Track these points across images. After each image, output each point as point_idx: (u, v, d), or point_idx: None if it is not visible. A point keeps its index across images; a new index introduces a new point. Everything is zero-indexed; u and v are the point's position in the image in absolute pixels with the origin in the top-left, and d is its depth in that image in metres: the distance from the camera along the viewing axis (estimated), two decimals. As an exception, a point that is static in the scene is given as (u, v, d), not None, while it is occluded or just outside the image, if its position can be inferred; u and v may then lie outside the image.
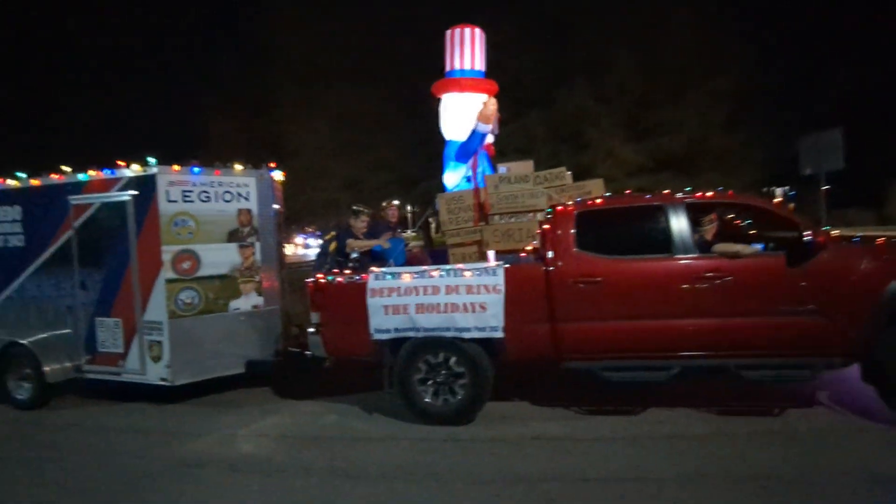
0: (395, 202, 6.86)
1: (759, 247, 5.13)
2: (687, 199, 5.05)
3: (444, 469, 4.32)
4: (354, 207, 6.73)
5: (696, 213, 5.15)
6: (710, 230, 5.23)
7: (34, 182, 6.76)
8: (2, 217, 6.99)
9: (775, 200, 5.70)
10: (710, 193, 5.08)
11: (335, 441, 5.10)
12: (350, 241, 6.36)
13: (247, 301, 6.57)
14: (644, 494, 3.73)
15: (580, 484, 3.94)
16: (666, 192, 5.17)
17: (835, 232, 4.97)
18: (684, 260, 4.88)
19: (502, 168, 6.10)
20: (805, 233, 4.89)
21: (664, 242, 4.96)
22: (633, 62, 15.47)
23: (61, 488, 4.45)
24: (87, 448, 5.31)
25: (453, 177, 5.93)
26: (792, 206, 5.33)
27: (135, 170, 6.10)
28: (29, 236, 6.83)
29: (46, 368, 6.37)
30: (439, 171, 18.74)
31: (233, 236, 6.48)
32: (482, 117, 5.34)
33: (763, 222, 5.50)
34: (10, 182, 6.90)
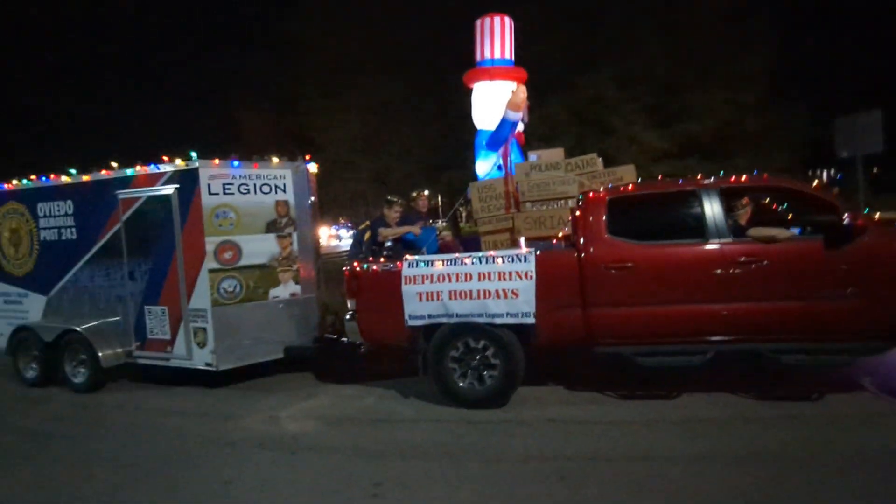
0: (425, 192, 6.96)
1: (795, 231, 5.05)
2: (720, 184, 5.01)
3: (460, 448, 4.49)
4: (389, 198, 6.88)
5: (729, 198, 5.10)
6: (743, 214, 5.18)
7: (85, 178, 7.10)
8: (55, 211, 7.38)
9: (815, 183, 5.56)
10: (743, 178, 5.02)
11: (364, 422, 5.30)
12: (381, 230, 6.51)
13: (285, 289, 6.80)
14: (650, 472, 3.84)
15: (590, 463, 4.06)
16: (699, 176, 5.12)
17: (877, 215, 4.86)
18: (718, 245, 4.85)
19: (532, 156, 6.13)
20: (844, 216, 4.80)
21: (697, 227, 4.94)
22: (659, 46, 15.17)
23: (110, 462, 4.76)
24: (134, 427, 5.64)
25: (485, 165, 5.99)
26: (836, 189, 5.20)
27: (178, 164, 6.35)
28: (80, 229, 7.19)
29: (100, 354, 6.73)
30: (464, 160, 18.75)
31: (271, 227, 6.70)
32: (512, 105, 5.38)
33: (801, 206, 5.40)
34: (63, 178, 7.26)
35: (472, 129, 18.25)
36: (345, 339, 6.72)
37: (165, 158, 6.46)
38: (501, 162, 5.79)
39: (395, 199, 6.78)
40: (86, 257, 7.14)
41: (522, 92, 5.33)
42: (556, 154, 6.23)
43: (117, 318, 6.92)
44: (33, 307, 7.64)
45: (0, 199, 7.89)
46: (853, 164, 9.78)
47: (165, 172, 6.46)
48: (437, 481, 3.96)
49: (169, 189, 6.42)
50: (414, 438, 4.80)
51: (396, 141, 18.97)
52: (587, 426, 4.74)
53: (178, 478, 4.37)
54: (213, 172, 6.31)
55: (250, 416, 5.67)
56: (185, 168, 6.30)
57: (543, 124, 15.49)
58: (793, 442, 4.13)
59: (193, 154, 6.24)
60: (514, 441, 4.54)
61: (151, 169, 6.56)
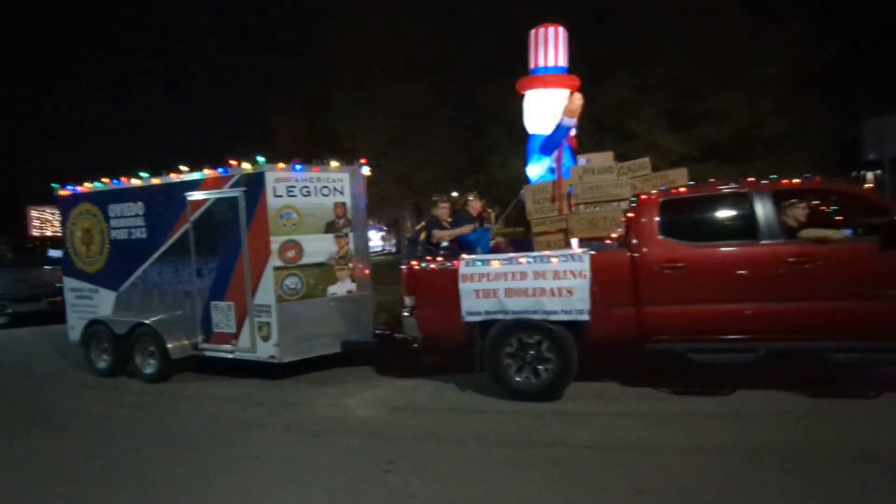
0: (475, 194, 7.24)
1: (847, 232, 5.17)
2: (772, 186, 5.16)
3: (468, 434, 4.85)
4: (434, 198, 7.22)
5: (781, 200, 5.24)
6: (795, 216, 5.32)
7: (155, 180, 7.55)
8: (126, 212, 7.85)
9: (866, 186, 5.64)
10: (796, 180, 5.16)
11: (399, 411, 5.68)
12: (436, 232, 6.81)
13: (342, 287, 7.13)
14: (638, 460, 4.12)
15: (584, 450, 4.37)
16: (751, 179, 5.28)
17: None
18: (771, 246, 5.00)
19: (583, 159, 6.35)
20: (896, 217, 4.90)
21: (749, 228, 5.10)
22: (678, 51, 15.17)
23: (158, 439, 5.31)
24: (190, 412, 6.12)
25: (537, 168, 6.23)
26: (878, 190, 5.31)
27: (245, 168, 6.73)
28: (150, 229, 7.64)
29: (169, 346, 7.16)
30: (487, 164, 18.77)
31: (330, 227, 7.05)
32: (568, 112, 5.61)
33: (852, 208, 5.51)
34: (134, 181, 7.73)
35: (495, 134, 18.36)
36: (398, 334, 7.06)
37: (233, 162, 6.85)
38: (555, 165, 6.02)
39: (438, 198, 7.13)
40: (155, 255, 7.59)
41: (579, 99, 5.55)
42: (605, 158, 6.43)
43: (184, 313, 7.35)
44: (103, 302, 8.13)
45: (73, 201, 8.42)
46: (881, 166, 9.61)
47: (233, 175, 6.85)
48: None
49: (236, 191, 6.81)
50: (424, 425, 5.16)
51: (422, 144, 19.34)
52: (586, 417, 5.05)
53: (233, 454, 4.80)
54: (278, 176, 6.67)
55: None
56: (253, 172, 6.68)
57: None
58: (781, 436, 4.32)
59: (260, 158, 6.62)
60: (520, 430, 4.85)
61: (219, 172, 6.96)
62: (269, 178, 6.60)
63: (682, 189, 5.46)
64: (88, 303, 8.30)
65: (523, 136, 19.53)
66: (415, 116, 19.22)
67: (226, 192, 6.91)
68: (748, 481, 3.71)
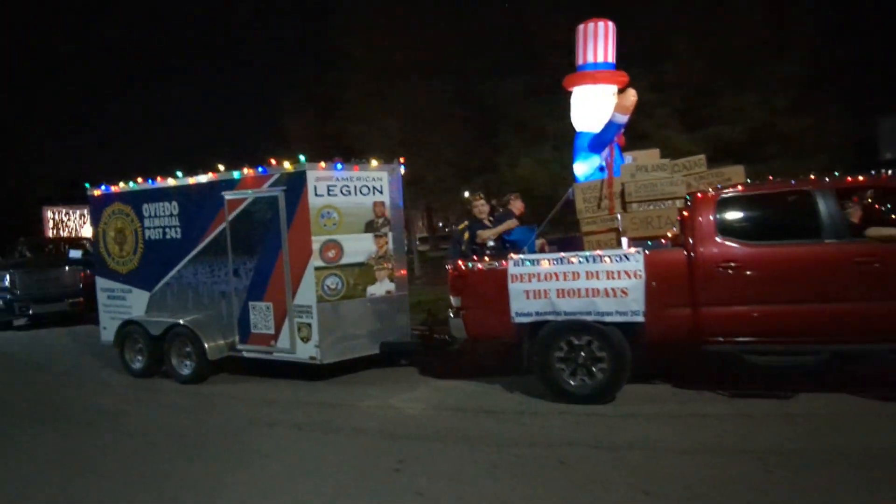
0: (517, 194, 7.17)
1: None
2: (836, 184, 5.04)
3: (477, 434, 4.89)
4: (470, 197, 7.18)
5: (842, 198, 5.13)
6: (856, 214, 5.20)
7: (191, 180, 7.48)
8: (160, 212, 7.79)
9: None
10: (860, 177, 5.05)
11: (420, 412, 5.66)
12: (480, 232, 6.73)
13: (381, 287, 7.05)
14: (645, 460, 4.15)
15: (591, 450, 4.39)
16: (812, 176, 5.17)
17: None
18: (835, 245, 4.88)
19: (628, 157, 6.25)
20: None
21: (811, 227, 4.99)
22: (692, 50, 15.04)
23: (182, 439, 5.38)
24: (236, 414, 6.00)
25: (584, 167, 6.13)
26: None
27: (286, 167, 6.66)
28: (185, 229, 7.57)
29: (207, 346, 7.08)
30: (497, 165, 18.65)
31: (369, 227, 6.96)
32: (622, 108, 5.51)
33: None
34: (169, 180, 7.67)
35: (505, 134, 18.20)
36: (437, 335, 6.97)
37: (273, 161, 6.78)
38: (604, 164, 5.93)
39: (474, 196, 7.10)
40: (190, 255, 7.52)
41: (633, 95, 5.45)
42: (651, 155, 6.32)
43: (221, 314, 7.27)
44: (137, 302, 8.07)
45: (106, 201, 8.36)
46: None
47: (272, 175, 6.77)
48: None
49: (276, 191, 6.73)
50: (434, 424, 5.17)
51: (432, 144, 19.31)
52: (594, 417, 5.04)
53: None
54: (319, 175, 6.60)
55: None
56: (293, 171, 6.60)
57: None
58: (787, 439, 4.29)
59: (302, 157, 6.54)
60: (527, 430, 4.85)
61: (258, 171, 6.89)
62: (311, 177, 6.52)
63: (740, 187, 5.35)
64: (121, 303, 8.24)
65: (532, 137, 19.28)
66: (426, 116, 19.18)
67: (265, 191, 6.83)
68: (755, 483, 3.69)
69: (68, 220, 25.19)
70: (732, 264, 5.08)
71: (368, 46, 19.02)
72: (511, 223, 6.62)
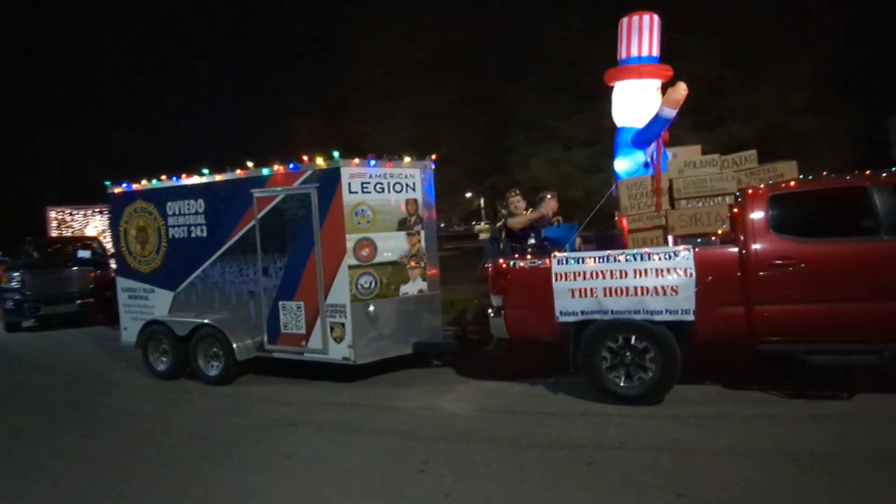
0: (553, 193, 7.04)
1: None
2: (892, 179, 4.93)
3: (499, 435, 4.83)
4: (506, 194, 7.05)
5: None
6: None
7: (218, 177, 7.33)
8: (185, 210, 7.63)
9: None
10: (919, 173, 4.93)
11: (444, 411, 5.62)
12: (510, 220, 6.61)
13: (413, 286, 6.91)
14: (674, 462, 4.09)
15: (617, 451, 4.34)
16: (867, 172, 5.05)
17: None
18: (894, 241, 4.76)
19: (668, 153, 6.12)
20: None
21: (869, 224, 4.87)
22: (704, 49, 14.96)
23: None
24: (277, 417, 5.83)
25: (625, 163, 6.00)
26: None
27: (318, 164, 6.51)
28: (211, 227, 7.41)
29: (235, 347, 6.93)
30: (506, 165, 18.50)
31: (402, 225, 6.82)
32: (672, 102, 5.38)
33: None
34: (195, 177, 7.51)
35: (514, 133, 18.12)
36: (471, 335, 6.85)
37: (305, 158, 6.64)
38: (649, 160, 5.81)
39: (510, 192, 7.02)
40: (216, 254, 7.36)
41: (684, 89, 5.32)
42: (692, 151, 6.20)
43: (249, 314, 7.12)
44: (159, 302, 7.91)
45: (127, 199, 8.20)
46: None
47: (304, 171, 6.62)
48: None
49: (308, 188, 6.58)
50: (454, 426, 5.10)
51: (441, 146, 19.22)
52: (616, 418, 5.00)
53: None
54: (353, 171, 6.45)
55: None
56: (327, 167, 6.45)
57: (584, 129, 15.60)
58: (817, 441, 4.22)
59: (336, 154, 6.40)
60: (549, 431, 4.82)
61: (289, 168, 6.74)
62: (345, 173, 6.38)
63: (793, 183, 5.23)
64: (143, 303, 8.08)
65: (542, 136, 19.07)
66: (435, 117, 19.08)
67: (296, 188, 6.68)
68: (789, 485, 3.61)
69: (72, 220, 24.97)
70: (787, 262, 4.96)
71: (378, 46, 18.90)
72: (542, 212, 6.49)
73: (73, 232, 24.08)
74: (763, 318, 5.04)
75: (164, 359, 7.60)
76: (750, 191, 5.26)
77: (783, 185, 5.23)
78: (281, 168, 6.79)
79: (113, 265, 15.49)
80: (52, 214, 24.77)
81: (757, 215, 5.11)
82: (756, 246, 5.07)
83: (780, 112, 14.86)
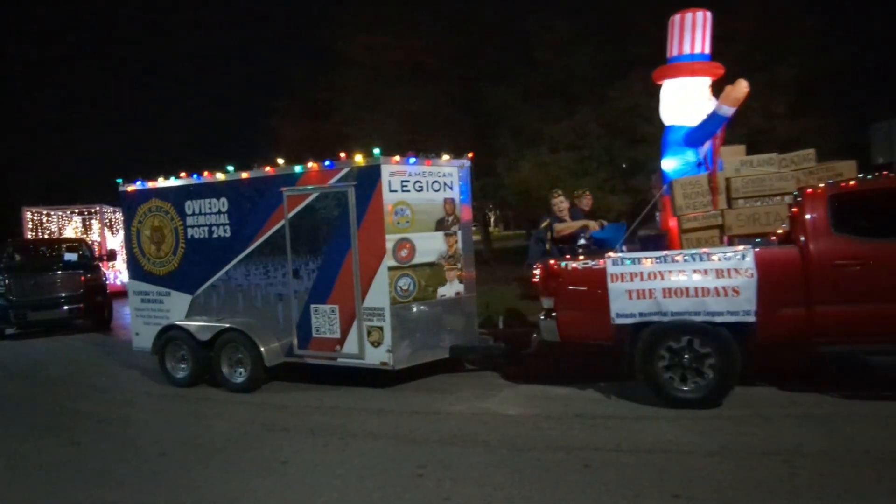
0: (587, 191, 6.95)
1: None
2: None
3: (497, 438, 4.80)
4: (551, 192, 6.97)
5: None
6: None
7: (243, 175, 7.01)
8: (206, 209, 7.29)
9: None
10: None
11: (438, 414, 5.54)
12: (556, 225, 6.48)
13: (451, 288, 6.72)
14: (669, 463, 4.11)
15: (613, 453, 4.36)
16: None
17: None
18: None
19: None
20: None
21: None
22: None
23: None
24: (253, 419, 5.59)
25: (674, 162, 5.91)
26: None
27: (356, 161, 6.27)
28: (235, 227, 7.09)
29: (263, 351, 6.62)
30: (494, 167, 18.35)
31: (440, 225, 6.63)
32: (731, 100, 5.31)
33: None
34: (218, 175, 7.18)
35: (502, 136, 18.09)
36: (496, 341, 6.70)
37: (342, 155, 6.39)
38: (701, 158, 5.74)
39: (553, 192, 6.97)
40: (241, 255, 7.04)
41: (745, 87, 5.26)
42: (736, 151, 6.19)
43: (277, 317, 6.82)
44: (176, 306, 7.54)
45: (141, 198, 7.81)
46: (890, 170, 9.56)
47: (341, 169, 6.37)
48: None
49: (344, 186, 6.33)
50: (459, 429, 5.04)
51: (430, 147, 19.03)
52: (611, 420, 5.03)
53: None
54: (393, 169, 6.24)
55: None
56: (366, 165, 6.22)
57: (571, 133, 15.69)
58: (810, 439, 4.28)
59: (376, 151, 6.17)
60: (545, 434, 4.80)
61: (324, 166, 6.48)
62: (385, 171, 6.15)
63: (852, 182, 5.21)
64: (158, 307, 7.70)
65: (529, 139, 19.03)
66: (422, 119, 18.93)
67: (331, 187, 6.43)
68: (781, 484, 3.65)
69: (48, 221, 24.03)
70: (850, 261, 4.92)
71: (363, 48, 18.66)
72: (590, 223, 6.42)
73: (49, 234, 23.17)
74: (825, 318, 4.99)
75: (183, 365, 7.23)
76: (809, 190, 5.21)
77: (843, 184, 5.20)
78: (315, 165, 6.53)
79: (103, 268, 14.98)
80: (28, 215, 23.79)
81: (819, 215, 5.07)
82: (818, 246, 5.02)
83: (763, 117, 15.09)
